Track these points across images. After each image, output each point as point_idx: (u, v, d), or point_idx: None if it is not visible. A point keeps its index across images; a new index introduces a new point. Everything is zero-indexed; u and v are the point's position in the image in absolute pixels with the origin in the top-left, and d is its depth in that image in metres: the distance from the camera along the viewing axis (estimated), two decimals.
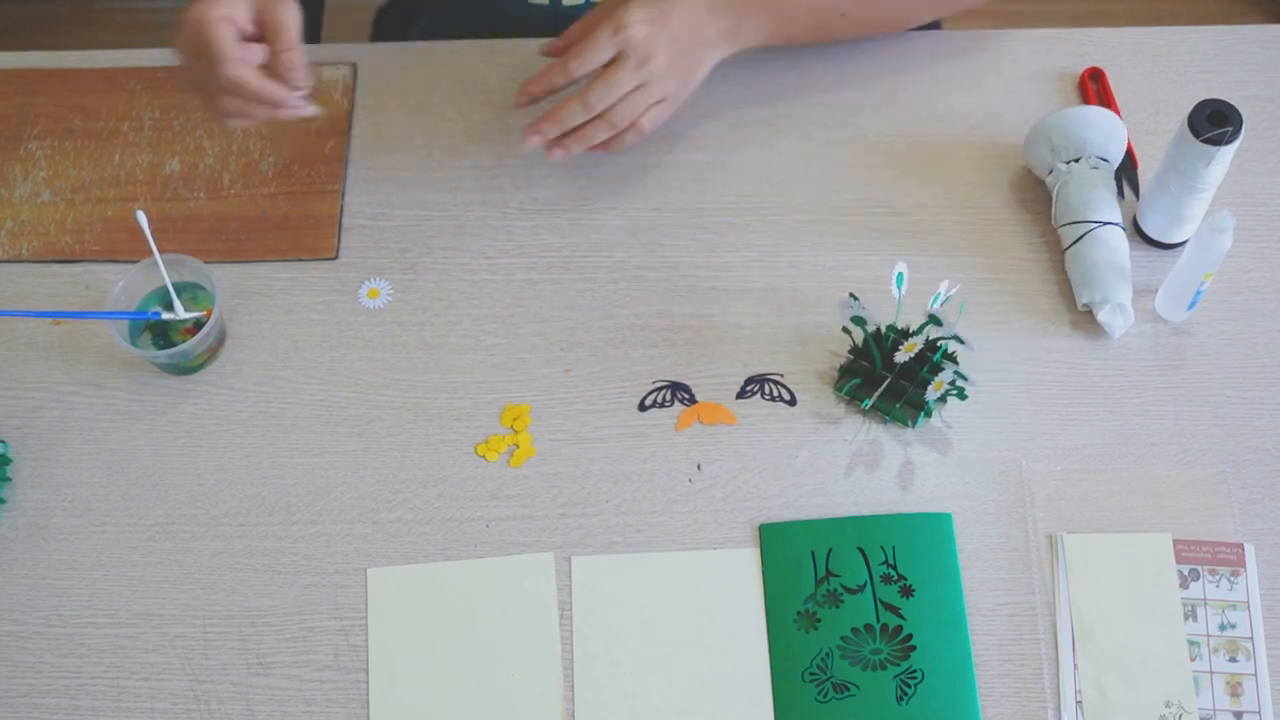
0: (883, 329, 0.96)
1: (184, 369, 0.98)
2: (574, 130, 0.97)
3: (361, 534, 0.93)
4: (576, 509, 0.94)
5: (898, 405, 0.95)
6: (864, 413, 0.97)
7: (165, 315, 0.96)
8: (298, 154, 1.09)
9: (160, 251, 0.96)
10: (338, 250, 1.04)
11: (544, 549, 0.92)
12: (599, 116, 0.96)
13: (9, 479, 0.95)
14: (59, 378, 0.99)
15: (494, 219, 1.06)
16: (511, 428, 0.97)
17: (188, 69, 0.93)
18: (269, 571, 0.92)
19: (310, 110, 0.93)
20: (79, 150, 1.10)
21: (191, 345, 0.95)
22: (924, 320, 0.92)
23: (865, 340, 0.95)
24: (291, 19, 0.91)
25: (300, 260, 1.03)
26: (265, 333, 1.01)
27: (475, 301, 1.02)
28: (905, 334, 0.95)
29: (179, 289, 1.00)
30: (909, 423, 0.96)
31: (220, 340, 1.00)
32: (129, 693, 0.88)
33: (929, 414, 0.96)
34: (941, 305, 0.91)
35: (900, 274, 0.91)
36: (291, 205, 1.06)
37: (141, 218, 0.94)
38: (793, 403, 0.97)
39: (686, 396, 0.97)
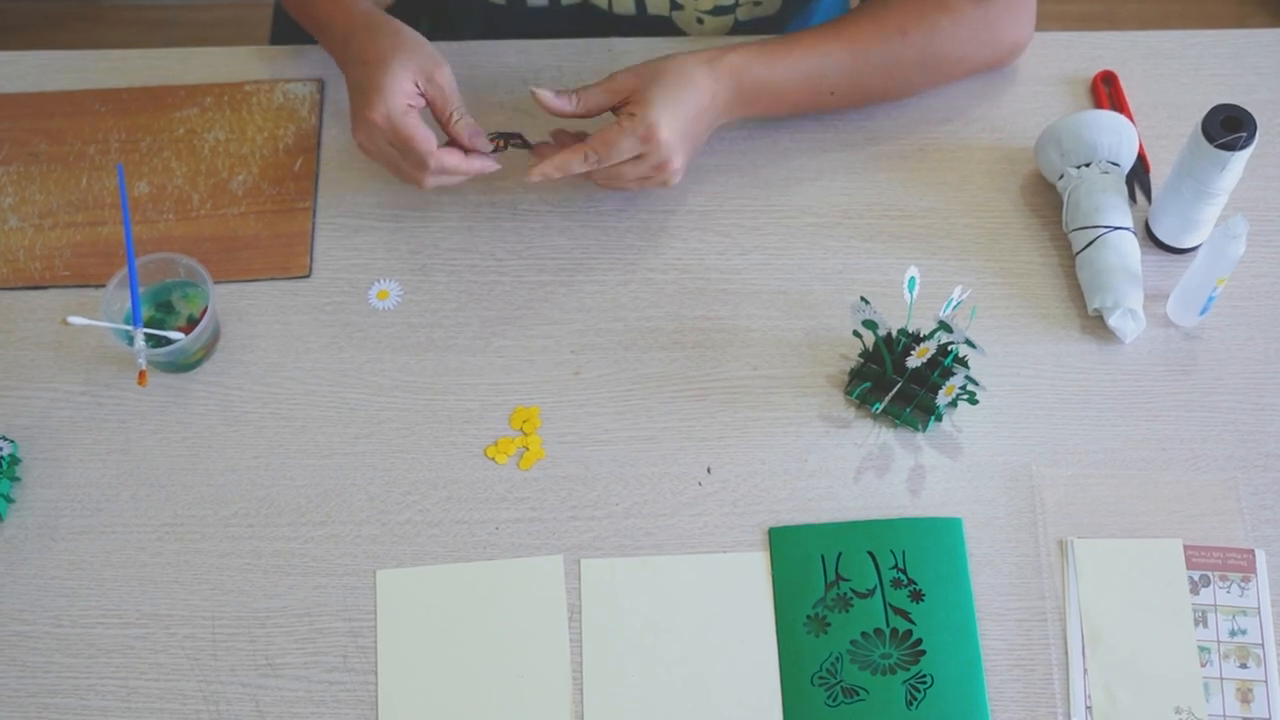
0: (894, 333, 0.96)
1: (182, 366, 0.98)
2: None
3: (370, 535, 0.93)
4: (586, 511, 0.93)
5: (908, 409, 0.95)
6: (874, 417, 0.97)
7: (142, 330, 0.95)
8: (267, 172, 1.08)
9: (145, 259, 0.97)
10: (310, 268, 1.04)
11: (553, 551, 0.92)
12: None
13: (18, 479, 0.95)
14: (69, 379, 0.99)
15: (504, 220, 1.06)
16: (521, 430, 0.96)
17: (379, 154, 0.97)
18: (278, 573, 0.92)
19: (495, 167, 0.99)
20: (45, 174, 1.08)
21: (189, 341, 0.95)
22: (935, 326, 0.92)
23: (876, 344, 0.95)
24: (452, 84, 0.96)
25: (273, 279, 1.03)
26: (275, 334, 1.01)
27: (485, 303, 1.02)
28: (916, 338, 0.95)
29: (172, 288, 1.00)
30: (919, 427, 0.96)
31: (215, 336, 0.99)
32: (138, 693, 0.88)
33: (939, 418, 0.96)
34: (953, 311, 0.91)
35: (912, 278, 0.90)
36: (262, 224, 1.06)
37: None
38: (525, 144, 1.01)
39: (520, 142, 1.01)
